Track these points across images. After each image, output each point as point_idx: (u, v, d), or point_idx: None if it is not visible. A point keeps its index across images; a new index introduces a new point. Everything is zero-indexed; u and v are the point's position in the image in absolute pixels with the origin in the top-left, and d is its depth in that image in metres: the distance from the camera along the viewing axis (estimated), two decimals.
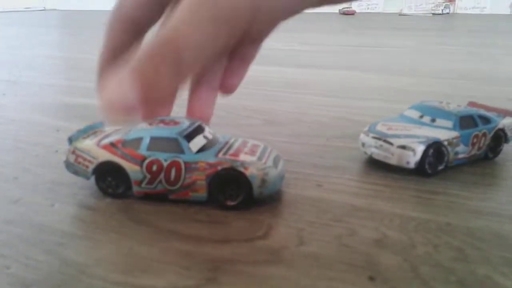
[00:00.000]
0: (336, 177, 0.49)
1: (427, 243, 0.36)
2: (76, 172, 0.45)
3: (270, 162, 0.43)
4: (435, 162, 0.49)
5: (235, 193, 0.42)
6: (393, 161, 0.49)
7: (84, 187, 0.46)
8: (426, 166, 0.48)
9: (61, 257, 0.34)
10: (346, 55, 1.43)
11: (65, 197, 0.44)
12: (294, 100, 0.84)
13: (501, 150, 0.55)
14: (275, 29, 0.34)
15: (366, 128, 0.54)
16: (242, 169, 0.41)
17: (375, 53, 1.45)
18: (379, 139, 0.51)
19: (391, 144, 0.50)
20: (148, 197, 0.43)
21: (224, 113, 0.75)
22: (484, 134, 0.52)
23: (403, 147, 0.49)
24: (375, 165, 0.52)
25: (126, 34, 0.38)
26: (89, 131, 0.48)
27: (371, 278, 0.32)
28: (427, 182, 0.48)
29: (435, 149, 0.49)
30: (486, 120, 0.53)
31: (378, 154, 0.51)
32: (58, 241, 0.36)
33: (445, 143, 0.49)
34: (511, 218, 0.40)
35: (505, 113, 0.57)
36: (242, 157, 0.42)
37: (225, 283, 0.31)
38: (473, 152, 0.52)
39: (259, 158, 0.43)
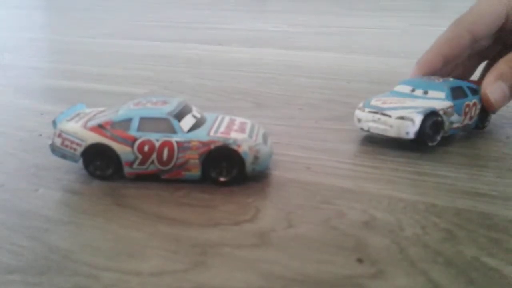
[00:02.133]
0: (325, 159, 0.49)
1: (415, 224, 0.36)
2: (63, 156, 0.44)
3: (260, 139, 0.43)
4: (433, 132, 0.49)
5: (228, 170, 0.42)
6: (392, 133, 0.49)
7: (69, 172, 0.45)
8: (426, 136, 0.49)
9: (46, 243, 0.34)
10: (335, 36, 1.42)
11: (49, 182, 0.43)
12: (284, 82, 0.83)
13: (489, 120, 0.57)
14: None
15: (360, 104, 0.54)
16: (235, 147, 0.41)
17: (364, 35, 1.44)
18: (376, 113, 0.51)
19: (389, 116, 0.49)
20: (134, 181, 0.43)
21: (215, 96, 0.74)
22: (475, 104, 0.53)
23: (401, 117, 0.48)
24: (364, 146, 0.52)
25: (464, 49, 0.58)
26: (71, 113, 0.47)
27: (360, 260, 0.32)
28: (415, 164, 0.48)
29: (433, 119, 0.49)
30: (474, 91, 0.54)
31: (376, 127, 0.51)
32: (42, 227, 0.36)
33: (441, 112, 0.50)
34: (499, 199, 0.41)
35: None
36: (234, 134, 0.42)
37: (213, 267, 0.31)
38: (465, 122, 0.53)
39: (250, 136, 0.43)
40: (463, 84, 0.54)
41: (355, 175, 0.45)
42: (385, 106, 0.51)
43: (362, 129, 0.53)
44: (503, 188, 0.43)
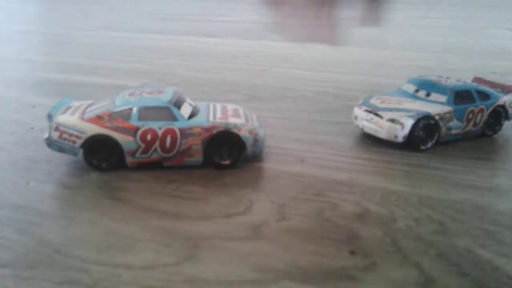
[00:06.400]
0: (318, 152, 0.49)
1: (408, 216, 0.36)
2: (61, 149, 0.43)
3: (256, 123, 0.45)
4: (425, 137, 0.49)
5: (229, 154, 0.44)
6: (382, 134, 0.49)
7: (61, 165, 0.45)
8: (416, 141, 0.48)
9: (37, 237, 0.33)
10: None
11: (41, 175, 0.43)
12: (278, 74, 0.83)
13: (500, 127, 0.54)
14: None
15: (360, 101, 0.53)
16: (236, 131, 0.43)
17: (358, 28, 1.44)
18: (370, 112, 0.51)
19: (380, 117, 0.49)
20: (125, 175, 0.42)
21: (209, 88, 0.74)
22: (481, 110, 0.51)
23: (391, 120, 0.48)
24: (357, 139, 0.52)
25: None
26: (62, 106, 0.46)
27: (352, 252, 0.32)
28: (409, 156, 0.48)
29: (425, 124, 0.48)
30: (485, 96, 0.52)
31: (369, 127, 0.51)
32: (33, 220, 0.35)
33: (436, 117, 0.48)
34: (491, 191, 0.41)
35: (511, 90, 0.55)
36: (232, 119, 0.44)
37: (205, 260, 0.31)
38: (468, 128, 0.51)
39: (246, 120, 0.45)
40: (473, 88, 0.51)
41: (348, 167, 0.45)
42: (381, 106, 0.51)
43: (357, 126, 0.53)
44: (497, 180, 0.43)
